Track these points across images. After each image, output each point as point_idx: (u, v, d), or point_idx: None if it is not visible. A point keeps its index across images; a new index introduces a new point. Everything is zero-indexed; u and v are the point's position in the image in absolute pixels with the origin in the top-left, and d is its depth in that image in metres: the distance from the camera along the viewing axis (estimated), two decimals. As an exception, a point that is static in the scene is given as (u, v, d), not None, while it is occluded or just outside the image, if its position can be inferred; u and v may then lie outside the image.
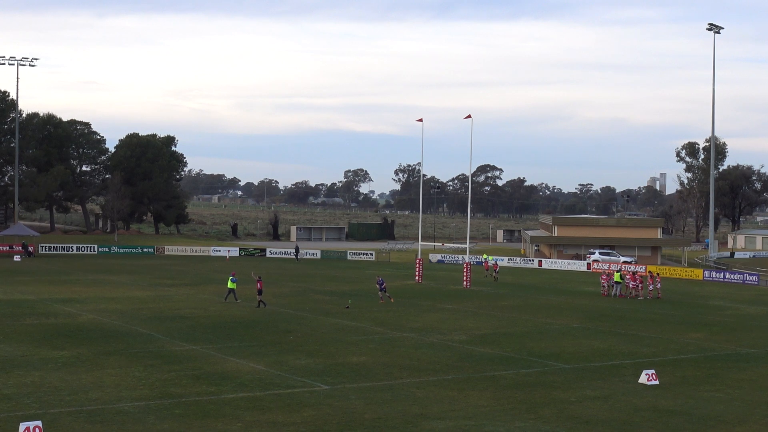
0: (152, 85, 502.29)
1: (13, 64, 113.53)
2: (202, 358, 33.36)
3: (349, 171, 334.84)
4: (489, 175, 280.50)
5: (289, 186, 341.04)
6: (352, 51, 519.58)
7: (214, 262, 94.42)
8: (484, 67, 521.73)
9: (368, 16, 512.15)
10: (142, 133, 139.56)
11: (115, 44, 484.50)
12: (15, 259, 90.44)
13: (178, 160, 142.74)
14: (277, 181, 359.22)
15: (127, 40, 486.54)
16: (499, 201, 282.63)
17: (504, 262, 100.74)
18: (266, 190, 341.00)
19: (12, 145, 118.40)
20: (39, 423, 21.08)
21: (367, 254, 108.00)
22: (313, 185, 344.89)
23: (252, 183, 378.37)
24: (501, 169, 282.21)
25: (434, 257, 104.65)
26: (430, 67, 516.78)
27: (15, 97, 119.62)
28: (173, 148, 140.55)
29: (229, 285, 53.07)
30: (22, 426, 20.86)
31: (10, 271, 75.13)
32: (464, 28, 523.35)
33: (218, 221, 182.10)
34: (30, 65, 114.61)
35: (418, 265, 74.36)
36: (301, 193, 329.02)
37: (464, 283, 68.86)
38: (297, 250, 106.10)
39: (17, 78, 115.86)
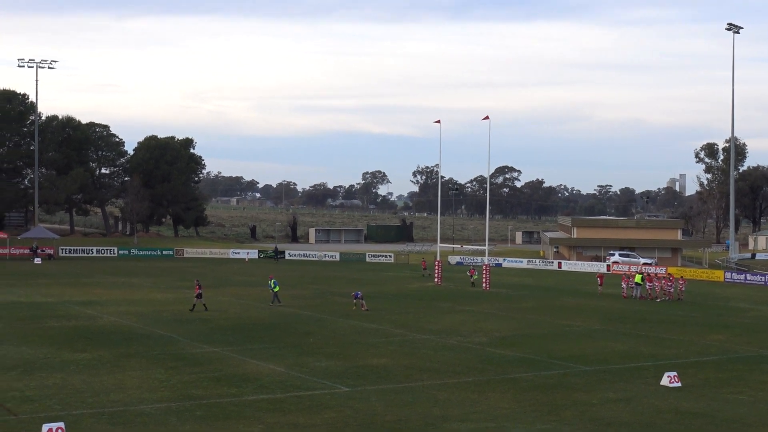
0: (170, 87, 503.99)
1: (32, 67, 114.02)
2: (223, 360, 33.44)
3: (367, 173, 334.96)
4: (507, 176, 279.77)
5: (308, 188, 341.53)
6: (369, 52, 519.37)
7: (233, 265, 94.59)
8: (501, 68, 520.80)
9: (385, 17, 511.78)
10: (161, 135, 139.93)
11: (133, 46, 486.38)
12: (35, 261, 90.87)
13: (197, 163, 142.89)
14: (295, 184, 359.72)
15: (145, 42, 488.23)
16: (517, 202, 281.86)
17: (523, 263, 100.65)
18: (284, 192, 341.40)
19: (31, 148, 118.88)
20: (62, 424, 21.19)
21: (386, 256, 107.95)
22: (331, 187, 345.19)
23: (270, 185, 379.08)
24: (519, 171, 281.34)
25: (453, 259, 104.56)
26: (448, 68, 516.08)
27: (34, 100, 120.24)
28: (191, 151, 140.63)
29: (276, 288, 53.23)
30: (45, 427, 20.97)
31: (31, 274, 75.48)
32: (481, 29, 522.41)
33: (237, 223, 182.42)
34: (49, 68, 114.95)
35: (437, 267, 74.31)
36: (319, 195, 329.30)
37: (483, 285, 68.75)
38: (276, 250, 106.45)
39: (36, 80, 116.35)
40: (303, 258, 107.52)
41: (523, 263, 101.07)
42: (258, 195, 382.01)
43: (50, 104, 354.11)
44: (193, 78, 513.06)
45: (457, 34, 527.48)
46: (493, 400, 27.22)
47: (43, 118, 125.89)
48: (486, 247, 76.23)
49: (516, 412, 25.55)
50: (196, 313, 47.78)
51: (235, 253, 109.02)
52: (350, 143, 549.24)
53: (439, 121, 75.84)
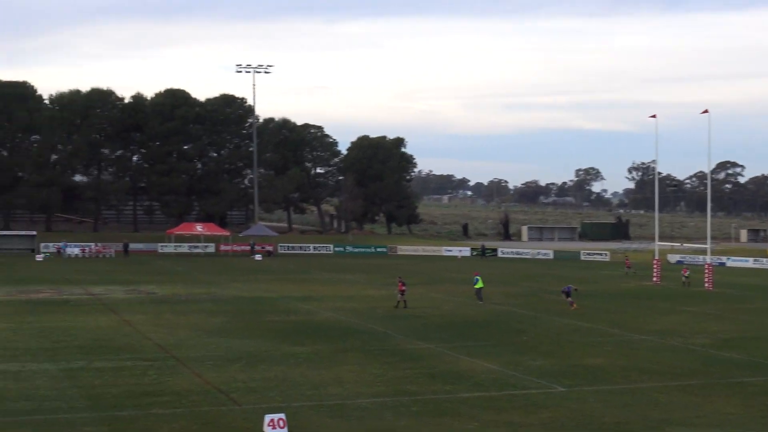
0: (380, 88, 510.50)
1: (249, 72, 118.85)
2: (437, 357, 33.50)
3: (579, 170, 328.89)
4: (729, 171, 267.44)
5: (519, 186, 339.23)
6: (580, 48, 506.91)
7: (446, 262, 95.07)
8: (719, 59, 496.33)
9: (595, 11, 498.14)
10: (372, 135, 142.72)
11: (344, 49, 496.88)
12: (256, 258, 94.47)
13: (408, 161, 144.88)
14: (506, 181, 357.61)
15: (355, 45, 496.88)
16: (741, 199, 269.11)
17: (749, 263, 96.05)
18: (495, 189, 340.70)
19: (250, 149, 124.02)
20: (283, 415, 21.75)
21: (601, 254, 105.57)
22: (543, 185, 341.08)
23: (481, 183, 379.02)
24: (743, 166, 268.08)
25: (672, 258, 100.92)
26: (662, 62, 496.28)
27: (252, 103, 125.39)
28: (402, 150, 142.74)
29: (477, 285, 52.98)
30: (267, 418, 21.60)
31: (252, 270, 78.51)
32: (696, 19, 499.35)
33: (449, 221, 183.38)
34: (265, 72, 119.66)
35: (655, 266, 71.93)
36: (531, 193, 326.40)
37: (705, 284, 65.88)
38: (483, 248, 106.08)
39: (254, 85, 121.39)
40: (516, 256, 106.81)
41: (749, 262, 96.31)
42: (469, 193, 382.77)
43: (267, 107, 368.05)
44: (403, 78, 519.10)
45: (670, 26, 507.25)
46: (719, 404, 25.87)
47: (261, 120, 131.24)
48: (708, 246, 73.02)
49: (744, 418, 24.16)
50: (409, 309, 48.17)
51: (448, 250, 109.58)
52: (562, 140, 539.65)
53: (654, 116, 73.53)
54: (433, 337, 38.43)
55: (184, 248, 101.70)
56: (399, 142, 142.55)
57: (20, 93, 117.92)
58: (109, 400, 25.36)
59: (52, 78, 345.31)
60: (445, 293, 58.65)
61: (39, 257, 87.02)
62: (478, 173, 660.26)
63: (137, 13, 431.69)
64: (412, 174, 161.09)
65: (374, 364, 31.49)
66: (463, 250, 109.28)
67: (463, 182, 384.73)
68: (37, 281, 62.51)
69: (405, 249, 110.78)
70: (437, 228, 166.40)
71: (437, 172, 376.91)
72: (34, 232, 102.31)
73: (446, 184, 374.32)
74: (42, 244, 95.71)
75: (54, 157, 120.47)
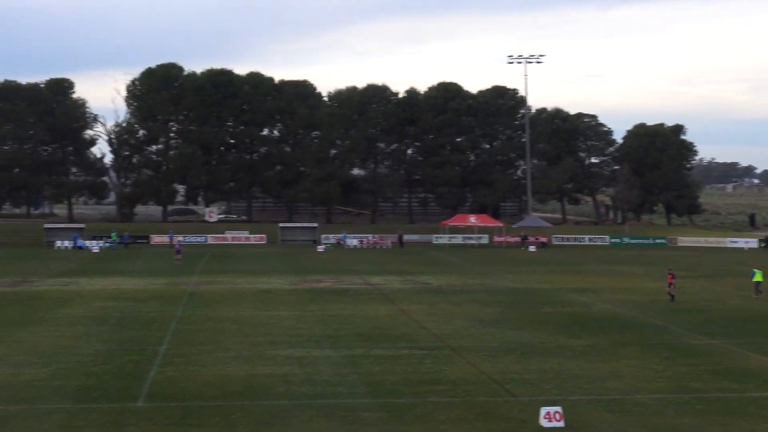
0: (657, 74, 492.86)
1: (521, 62, 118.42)
2: (722, 353, 31.81)
3: None
4: None
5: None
6: None
7: (731, 254, 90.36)
8: None
9: None
10: (648, 122, 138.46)
11: (618, 36, 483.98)
12: (530, 249, 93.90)
13: (688, 149, 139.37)
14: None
15: (630, 31, 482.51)
16: None
17: None
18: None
19: (523, 140, 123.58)
20: (559, 408, 21.34)
21: None
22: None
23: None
24: None
25: None
26: None
27: (524, 94, 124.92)
28: (682, 137, 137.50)
29: (755, 278, 49.92)
30: (543, 410, 21.28)
31: (525, 261, 78.07)
32: None
33: (733, 211, 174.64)
34: (537, 62, 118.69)
35: None
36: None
37: None
38: (767, 239, 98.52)
39: (525, 75, 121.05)
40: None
41: None
42: (756, 181, 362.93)
43: (539, 97, 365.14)
44: (680, 63, 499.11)
45: None
46: None
47: (533, 111, 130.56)
48: None
49: None
50: (690, 302, 46.19)
51: (733, 242, 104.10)
52: None
53: None
54: (717, 333, 36.55)
55: (458, 239, 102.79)
56: (678, 129, 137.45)
57: (301, 91, 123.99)
58: (387, 387, 25.92)
59: (330, 75, 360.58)
60: (731, 287, 55.63)
61: (320, 248, 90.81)
62: (766, 160, 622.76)
63: (410, 9, 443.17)
64: (693, 162, 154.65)
65: (654, 359, 30.35)
66: (749, 242, 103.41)
67: (749, 170, 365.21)
68: (318, 271, 65.20)
69: (685, 240, 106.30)
70: (721, 218, 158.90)
71: (720, 160, 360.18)
72: (316, 224, 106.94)
73: (730, 172, 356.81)
74: (323, 236, 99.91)
75: (333, 152, 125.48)
